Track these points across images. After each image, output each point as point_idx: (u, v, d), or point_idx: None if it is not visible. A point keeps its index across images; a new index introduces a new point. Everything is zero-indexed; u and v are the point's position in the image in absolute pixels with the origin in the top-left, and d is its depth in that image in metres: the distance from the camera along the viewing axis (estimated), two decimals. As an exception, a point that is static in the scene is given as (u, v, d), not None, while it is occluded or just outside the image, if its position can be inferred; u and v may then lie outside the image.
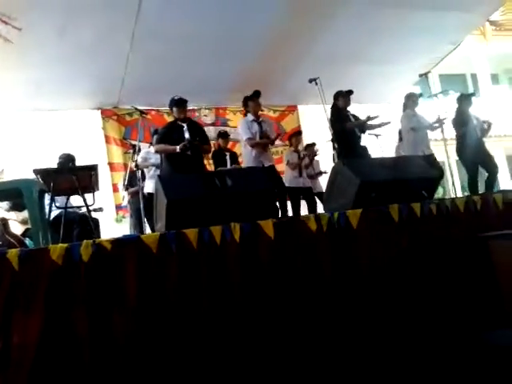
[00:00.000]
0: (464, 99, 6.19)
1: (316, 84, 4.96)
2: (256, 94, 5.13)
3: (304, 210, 6.22)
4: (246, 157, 5.14)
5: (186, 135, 4.59)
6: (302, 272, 2.78)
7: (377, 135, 6.11)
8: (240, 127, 5.30)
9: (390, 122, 5.73)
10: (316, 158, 7.04)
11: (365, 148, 5.47)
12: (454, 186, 6.07)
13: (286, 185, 6.13)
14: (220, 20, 5.87)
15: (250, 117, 5.18)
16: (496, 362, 2.57)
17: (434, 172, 4.04)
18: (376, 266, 2.98)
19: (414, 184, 3.58)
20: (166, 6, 5.41)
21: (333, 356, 2.63)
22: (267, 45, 6.47)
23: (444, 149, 5.72)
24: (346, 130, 5.22)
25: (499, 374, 2.48)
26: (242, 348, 2.50)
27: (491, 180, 5.90)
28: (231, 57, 6.56)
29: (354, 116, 5.38)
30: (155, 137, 5.38)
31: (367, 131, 5.56)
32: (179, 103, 4.68)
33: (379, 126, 5.59)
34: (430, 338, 2.85)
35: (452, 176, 6.07)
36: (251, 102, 5.14)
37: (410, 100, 5.98)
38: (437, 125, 5.82)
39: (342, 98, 5.36)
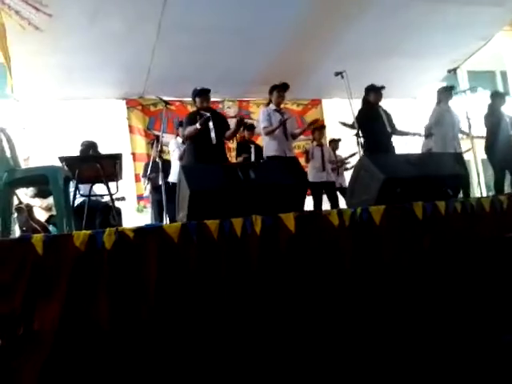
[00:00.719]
0: (497, 96, 6.05)
1: (342, 77, 4.91)
2: (284, 86, 5.09)
3: (326, 205, 6.18)
4: (268, 146, 5.11)
5: (211, 125, 4.60)
6: (323, 266, 2.76)
7: (414, 134, 6.02)
8: (260, 116, 5.27)
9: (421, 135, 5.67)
10: (338, 152, 7.01)
11: (393, 146, 5.38)
12: (479, 185, 5.95)
13: (309, 179, 6.10)
14: (245, 12, 5.84)
15: (272, 106, 5.15)
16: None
17: (460, 170, 3.96)
18: (398, 263, 2.93)
19: (439, 182, 3.51)
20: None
21: (354, 352, 2.61)
22: (292, 38, 6.42)
23: (471, 146, 5.61)
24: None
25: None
26: (260, 339, 2.50)
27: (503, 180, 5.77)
28: (256, 49, 6.53)
29: (385, 111, 5.27)
30: (181, 128, 5.42)
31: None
32: (202, 92, 4.70)
33: (412, 134, 5.48)
34: (451, 339, 2.80)
35: (478, 175, 5.95)
36: (276, 92, 5.10)
37: (444, 94, 5.82)
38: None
39: (374, 93, 5.24)
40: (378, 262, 2.90)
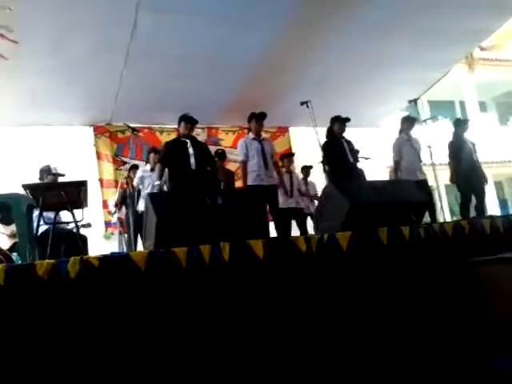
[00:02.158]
0: (460, 124, 6.28)
1: (307, 107, 5.04)
2: (261, 116, 5.18)
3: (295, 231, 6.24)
4: (248, 175, 5.13)
5: (190, 151, 4.63)
6: (291, 292, 2.77)
7: (366, 158, 6.19)
8: (238, 147, 5.34)
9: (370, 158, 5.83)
10: (310, 179, 7.13)
11: (361, 171, 5.51)
12: (442, 210, 6.13)
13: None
14: (213, 41, 5.95)
15: (251, 135, 5.22)
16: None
17: (423, 197, 4.08)
18: (364, 288, 2.97)
19: (404, 208, 3.61)
20: (161, 25, 5.48)
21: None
22: (260, 66, 6.56)
23: (433, 174, 5.79)
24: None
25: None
26: (227, 370, 2.47)
27: (481, 205, 5.96)
28: (224, 77, 6.63)
29: (347, 142, 5.40)
30: (152, 155, 5.42)
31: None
32: (190, 120, 4.75)
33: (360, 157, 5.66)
34: (432, 365, 2.83)
35: (441, 200, 6.13)
36: (254, 121, 5.18)
37: (406, 123, 6.00)
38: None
39: (338, 124, 5.37)
40: (345, 286, 2.93)
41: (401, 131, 6.02)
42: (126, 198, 5.32)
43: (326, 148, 5.15)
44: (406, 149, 5.81)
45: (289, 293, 2.77)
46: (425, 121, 6.46)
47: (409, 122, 6.00)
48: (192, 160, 4.62)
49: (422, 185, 5.55)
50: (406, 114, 7.06)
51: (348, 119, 5.36)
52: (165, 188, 5.06)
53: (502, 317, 3.13)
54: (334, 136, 5.35)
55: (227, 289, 2.63)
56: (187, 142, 4.71)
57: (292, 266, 2.85)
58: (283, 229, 6.03)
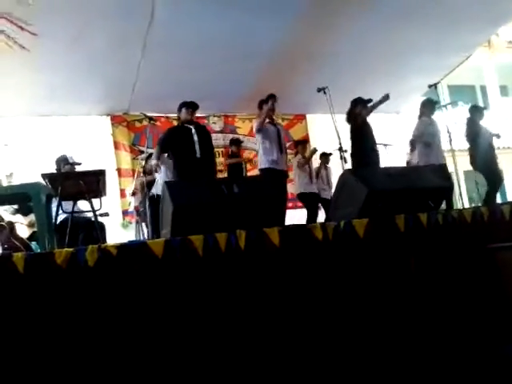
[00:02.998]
0: (476, 110, 6.17)
1: (325, 93, 4.98)
2: (271, 98, 5.14)
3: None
4: (261, 159, 5.13)
5: (195, 138, 4.60)
6: (308, 280, 2.77)
7: (385, 145, 6.12)
8: (255, 123, 5.31)
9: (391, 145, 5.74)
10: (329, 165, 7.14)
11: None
12: (461, 196, 6.03)
13: (300, 190, 6.18)
14: (231, 29, 5.91)
15: (266, 120, 5.18)
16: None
17: (442, 183, 4.00)
18: (381, 275, 2.95)
19: (421, 194, 3.56)
20: (178, 15, 5.47)
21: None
22: (276, 54, 6.50)
23: (452, 160, 5.69)
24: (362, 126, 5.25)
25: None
26: (244, 359, 2.49)
27: (494, 192, 5.86)
28: (241, 65, 6.59)
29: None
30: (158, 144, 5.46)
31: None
32: (189, 104, 4.71)
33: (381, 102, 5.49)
34: (449, 353, 2.80)
35: (459, 187, 6.04)
36: (265, 105, 5.15)
37: (427, 107, 5.89)
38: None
39: (361, 106, 5.33)
40: (362, 274, 2.91)
41: (421, 115, 5.91)
42: (144, 187, 5.35)
43: (356, 129, 5.12)
44: (428, 132, 5.70)
45: (305, 280, 2.76)
46: (445, 106, 6.33)
47: (430, 105, 5.89)
48: (197, 147, 4.59)
49: (442, 170, 5.46)
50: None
51: (370, 100, 5.28)
52: (159, 171, 5.07)
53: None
54: (358, 118, 5.28)
55: (243, 276, 2.64)
56: (191, 129, 4.67)
57: (308, 253, 2.84)
58: (312, 212, 6.03)
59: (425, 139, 5.69)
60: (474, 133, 5.89)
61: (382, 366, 2.68)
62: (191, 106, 4.72)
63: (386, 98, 5.24)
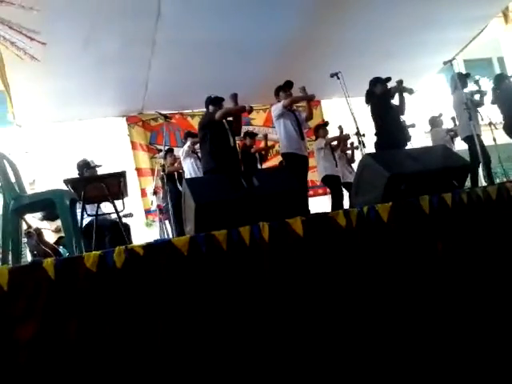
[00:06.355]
0: (504, 78, 6.06)
1: (338, 78, 4.92)
2: (288, 85, 5.13)
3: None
4: (283, 143, 5.12)
5: (226, 126, 4.62)
6: (334, 268, 2.76)
7: (409, 126, 6.08)
8: (274, 108, 5.27)
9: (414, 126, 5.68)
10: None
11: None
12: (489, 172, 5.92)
13: (325, 173, 6.14)
14: (239, 23, 5.90)
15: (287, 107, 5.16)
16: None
17: (463, 161, 3.93)
18: (409, 259, 2.92)
19: (444, 174, 3.50)
20: (185, 12, 5.48)
21: (362, 353, 2.60)
22: (288, 42, 6.46)
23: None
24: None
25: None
26: (272, 347, 2.50)
27: None
28: (251, 58, 6.58)
29: None
30: (189, 139, 5.49)
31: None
32: (216, 101, 4.72)
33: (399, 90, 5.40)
34: (472, 334, 2.77)
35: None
36: (283, 92, 5.13)
37: (460, 80, 5.72)
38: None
39: (380, 85, 5.28)
40: (389, 258, 2.89)
41: (454, 89, 5.86)
42: (164, 184, 5.39)
43: (376, 108, 5.13)
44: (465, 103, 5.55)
45: (330, 269, 2.75)
46: (477, 81, 6.24)
47: (463, 79, 5.80)
48: (230, 137, 4.62)
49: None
50: (441, 76, 6.81)
51: (389, 79, 5.22)
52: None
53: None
54: (379, 97, 5.23)
55: (269, 268, 2.64)
56: (224, 124, 4.67)
57: (332, 241, 2.82)
58: (338, 194, 5.99)
59: (466, 112, 5.50)
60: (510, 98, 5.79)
61: (408, 352, 2.66)
62: (218, 103, 4.75)
63: (400, 83, 5.31)
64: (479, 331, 2.80)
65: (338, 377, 2.50)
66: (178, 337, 2.37)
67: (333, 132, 7.16)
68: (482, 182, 6.30)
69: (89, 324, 2.23)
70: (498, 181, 6.93)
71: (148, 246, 2.46)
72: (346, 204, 5.70)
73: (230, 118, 4.80)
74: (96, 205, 4.30)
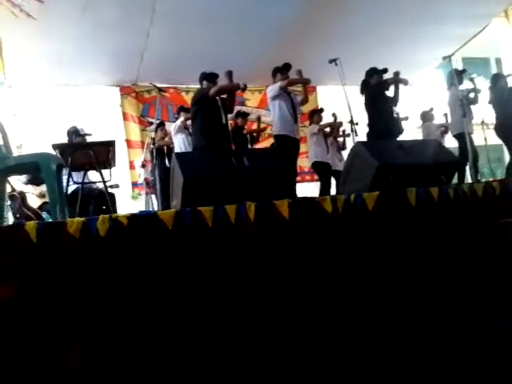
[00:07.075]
0: (501, 78, 6.07)
1: (336, 65, 4.89)
2: (286, 67, 5.08)
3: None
4: (276, 125, 5.09)
5: (219, 103, 4.57)
6: (317, 253, 2.77)
7: (402, 119, 6.08)
8: (270, 90, 5.23)
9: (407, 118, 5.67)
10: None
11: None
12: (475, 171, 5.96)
13: (315, 159, 6.14)
14: (242, 1, 5.80)
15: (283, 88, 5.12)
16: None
17: (453, 157, 3.96)
18: (390, 249, 2.95)
19: (433, 168, 3.52)
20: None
21: (351, 339, 2.64)
22: (288, 25, 6.39)
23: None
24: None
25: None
26: (254, 328, 2.52)
27: None
28: (250, 37, 6.50)
29: None
30: (182, 113, 5.41)
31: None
32: (210, 77, 4.66)
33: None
34: (447, 324, 2.83)
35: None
36: (280, 74, 5.09)
37: (457, 77, 5.68)
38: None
39: (377, 76, 5.26)
40: (370, 247, 2.91)
41: (450, 86, 5.85)
42: (154, 158, 5.34)
43: (370, 98, 5.10)
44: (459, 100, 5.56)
45: (313, 253, 2.77)
46: (472, 78, 6.23)
47: (459, 75, 5.77)
48: (222, 114, 4.58)
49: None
50: (438, 72, 6.80)
51: (385, 70, 5.20)
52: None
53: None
54: (374, 87, 5.21)
55: (253, 248, 2.65)
56: (217, 101, 4.63)
57: (317, 226, 2.83)
58: (326, 182, 6.00)
59: (460, 109, 5.51)
60: (504, 100, 5.80)
61: (387, 341, 2.71)
62: (212, 78, 4.67)
63: (396, 74, 5.28)
64: (453, 321, 2.87)
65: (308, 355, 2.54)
66: (159, 308, 2.38)
67: (326, 119, 7.15)
68: (469, 180, 6.35)
69: (69, 289, 2.23)
70: (483, 180, 6.99)
71: (132, 217, 2.45)
72: (334, 193, 5.71)
73: (224, 96, 4.75)
74: (82, 173, 4.25)
